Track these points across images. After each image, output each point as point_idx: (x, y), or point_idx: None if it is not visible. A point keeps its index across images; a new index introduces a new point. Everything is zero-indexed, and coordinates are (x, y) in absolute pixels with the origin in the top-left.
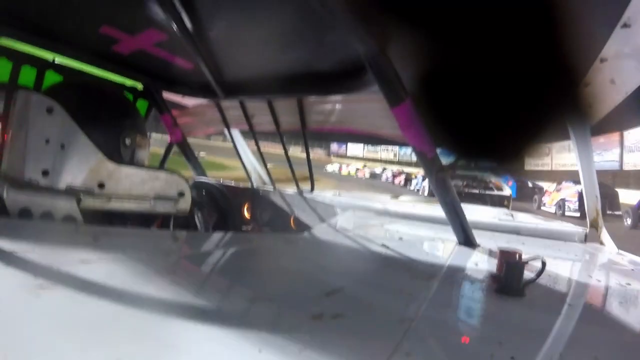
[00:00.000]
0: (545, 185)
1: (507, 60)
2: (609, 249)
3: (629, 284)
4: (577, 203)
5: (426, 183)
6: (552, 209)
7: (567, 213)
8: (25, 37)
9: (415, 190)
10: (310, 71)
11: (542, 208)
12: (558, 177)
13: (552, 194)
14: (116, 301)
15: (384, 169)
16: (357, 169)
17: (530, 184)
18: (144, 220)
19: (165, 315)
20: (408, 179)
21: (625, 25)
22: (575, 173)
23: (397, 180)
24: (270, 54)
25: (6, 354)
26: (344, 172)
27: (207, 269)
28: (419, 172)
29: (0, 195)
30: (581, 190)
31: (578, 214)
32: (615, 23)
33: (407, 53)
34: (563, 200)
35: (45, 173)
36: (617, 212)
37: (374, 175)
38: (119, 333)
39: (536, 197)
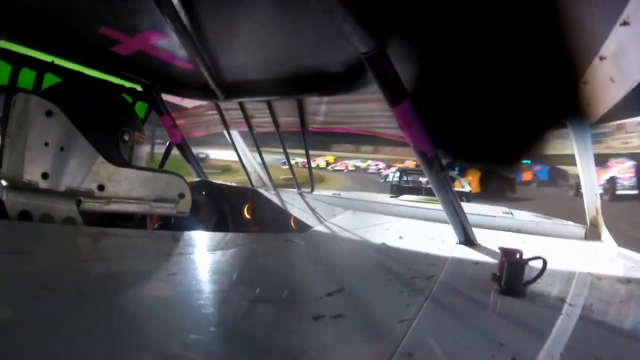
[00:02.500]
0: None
1: (507, 59)
2: (609, 246)
3: (629, 281)
4: (633, 179)
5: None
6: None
7: (619, 192)
8: (25, 40)
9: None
10: (309, 71)
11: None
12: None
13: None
14: (116, 302)
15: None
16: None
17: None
18: (145, 222)
19: (165, 317)
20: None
21: (625, 23)
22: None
23: None
24: (269, 55)
25: (7, 356)
26: None
27: (208, 269)
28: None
29: (0, 198)
30: (638, 164)
31: (636, 191)
32: (614, 21)
33: (406, 53)
34: (613, 179)
35: (44, 176)
36: None
37: None
38: (118, 334)
39: (572, 181)
